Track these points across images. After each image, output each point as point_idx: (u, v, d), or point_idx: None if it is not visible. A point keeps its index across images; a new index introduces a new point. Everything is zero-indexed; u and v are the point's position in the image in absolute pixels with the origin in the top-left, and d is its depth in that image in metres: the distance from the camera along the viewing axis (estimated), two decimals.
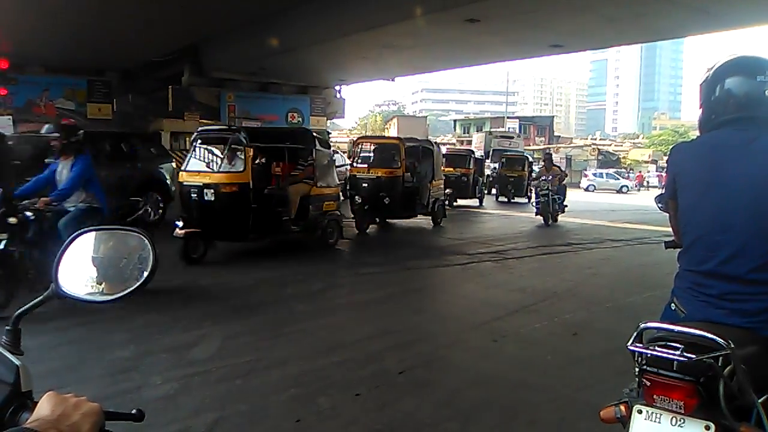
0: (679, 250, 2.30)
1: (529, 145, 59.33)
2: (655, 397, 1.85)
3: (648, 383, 1.86)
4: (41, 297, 1.08)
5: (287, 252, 9.68)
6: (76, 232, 1.12)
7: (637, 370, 1.91)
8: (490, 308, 6.50)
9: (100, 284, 1.14)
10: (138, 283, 1.10)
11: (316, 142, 9.78)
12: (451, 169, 19.61)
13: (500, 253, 10.26)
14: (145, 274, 1.11)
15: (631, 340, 1.90)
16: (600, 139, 76.74)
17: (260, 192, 8.75)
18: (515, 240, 12.17)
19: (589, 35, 15.40)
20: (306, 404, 3.80)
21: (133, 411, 0.99)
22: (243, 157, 8.45)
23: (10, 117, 16.71)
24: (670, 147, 2.68)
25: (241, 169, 8.41)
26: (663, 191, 2.50)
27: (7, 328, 1.04)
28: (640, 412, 1.89)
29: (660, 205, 2.64)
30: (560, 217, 15.46)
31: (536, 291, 7.36)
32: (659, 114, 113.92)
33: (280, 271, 8.13)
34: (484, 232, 14.29)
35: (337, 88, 27.22)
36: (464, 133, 65.47)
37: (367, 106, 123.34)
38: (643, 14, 12.67)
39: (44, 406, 0.86)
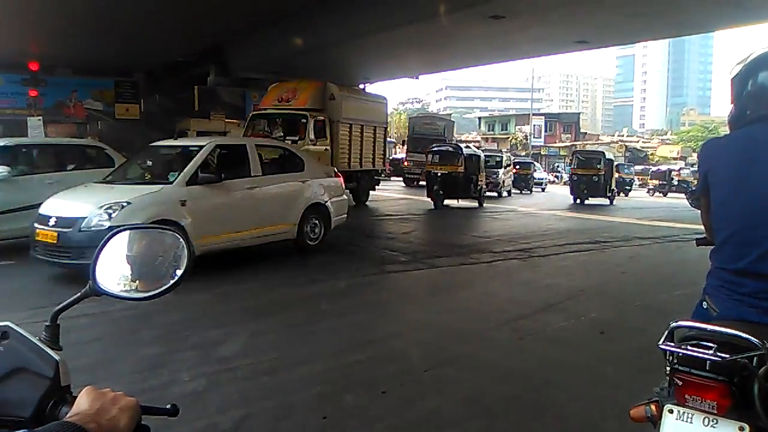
0: (710, 247, 2.26)
1: (555, 142, 58.81)
2: (687, 396, 1.82)
3: (680, 383, 1.83)
4: (79, 294, 1.11)
5: (313, 251, 9.70)
6: (112, 231, 1.15)
7: (668, 369, 1.88)
8: (516, 306, 6.46)
9: (135, 282, 1.16)
10: (173, 281, 1.12)
11: None
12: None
13: (527, 251, 10.19)
14: (180, 272, 1.12)
15: (662, 339, 1.87)
16: (627, 136, 75.82)
17: None
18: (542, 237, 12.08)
19: (615, 31, 15.20)
20: (332, 401, 3.82)
21: (168, 406, 1.01)
22: None
23: (41, 118, 17.03)
24: (700, 143, 2.63)
25: None
26: (694, 188, 2.46)
27: (47, 324, 1.07)
28: (671, 411, 1.86)
29: (691, 201, 2.60)
30: (588, 215, 15.30)
31: (563, 289, 7.29)
32: (688, 110, 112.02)
33: (304, 269, 8.17)
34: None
35: (362, 86, 27.24)
36: (489, 130, 65.16)
37: (391, 104, 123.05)
38: (672, 8, 12.46)
39: (83, 401, 0.88)
